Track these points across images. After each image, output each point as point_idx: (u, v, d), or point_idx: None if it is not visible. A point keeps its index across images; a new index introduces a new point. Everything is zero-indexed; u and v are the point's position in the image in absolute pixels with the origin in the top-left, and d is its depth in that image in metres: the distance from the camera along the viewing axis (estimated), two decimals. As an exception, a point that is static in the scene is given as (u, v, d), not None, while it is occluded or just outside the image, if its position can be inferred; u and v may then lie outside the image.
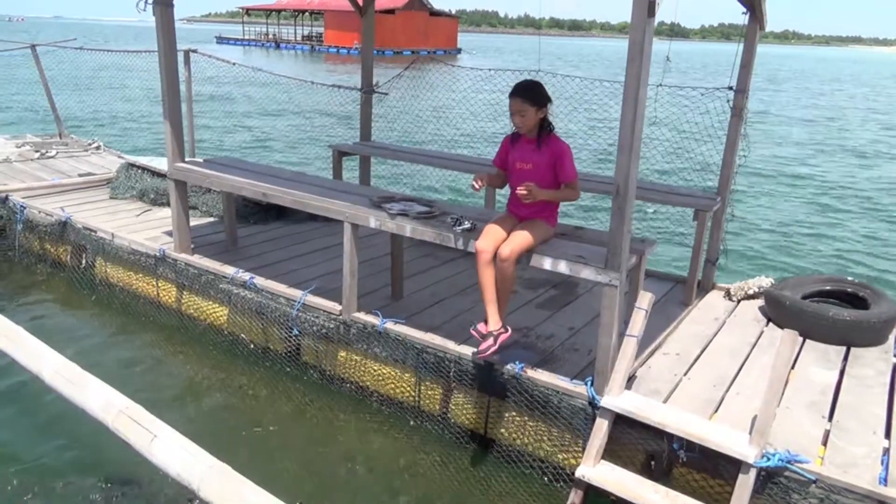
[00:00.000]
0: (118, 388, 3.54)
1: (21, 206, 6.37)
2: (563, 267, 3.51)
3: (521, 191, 3.46)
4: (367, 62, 6.66)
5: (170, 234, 5.39)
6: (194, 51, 8.16)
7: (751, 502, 2.97)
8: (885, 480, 2.91)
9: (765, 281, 4.92)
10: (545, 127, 3.62)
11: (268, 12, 67.79)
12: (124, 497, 3.41)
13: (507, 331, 3.68)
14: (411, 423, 4.17)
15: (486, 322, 3.67)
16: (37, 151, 8.40)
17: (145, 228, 5.91)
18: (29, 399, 4.20)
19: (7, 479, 3.52)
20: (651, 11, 2.96)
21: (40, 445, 3.81)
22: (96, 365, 4.39)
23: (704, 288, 5.06)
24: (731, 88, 4.79)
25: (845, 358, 4.05)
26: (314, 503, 3.47)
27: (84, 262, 5.93)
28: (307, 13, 63.86)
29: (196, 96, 8.98)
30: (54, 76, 10.39)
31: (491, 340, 3.61)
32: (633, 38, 3.01)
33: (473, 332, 3.71)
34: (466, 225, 3.77)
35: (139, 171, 7.15)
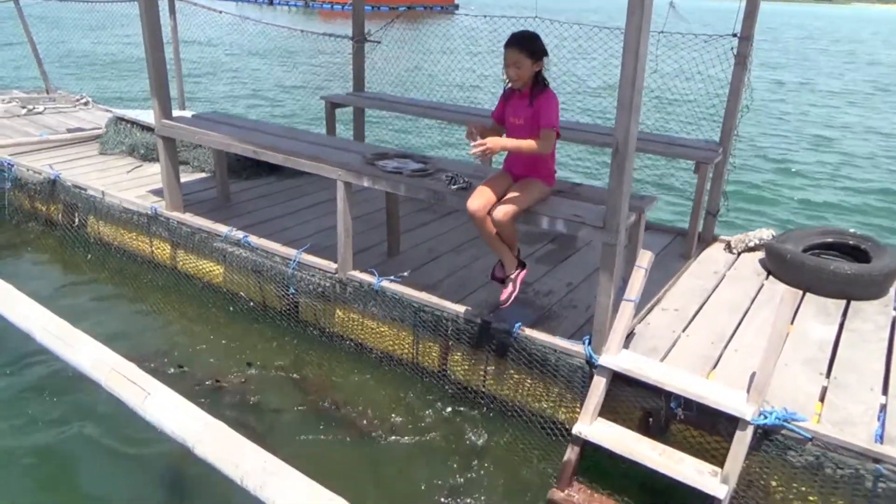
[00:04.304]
0: (113, 347, 3.52)
1: (9, 163, 6.24)
2: (560, 226, 3.44)
3: (475, 150, 3.29)
4: (358, 10, 6.45)
5: (161, 191, 5.30)
6: (180, -1, 7.89)
7: (747, 459, 2.99)
8: (881, 438, 2.91)
9: (765, 233, 4.86)
10: (539, 82, 3.48)
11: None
12: (118, 453, 3.45)
13: (523, 267, 3.72)
14: (410, 377, 4.17)
15: (501, 265, 3.70)
16: (23, 107, 8.21)
17: (136, 186, 5.81)
18: (20, 357, 4.20)
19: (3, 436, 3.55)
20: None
21: (34, 404, 3.83)
22: (91, 324, 4.37)
23: (705, 240, 5.01)
24: (735, 35, 4.62)
25: (845, 312, 4.03)
26: (312, 457, 3.49)
27: (77, 220, 5.85)
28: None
29: (184, 47, 8.72)
30: (39, 30, 10.07)
31: (510, 286, 3.65)
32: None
33: (492, 279, 3.77)
34: (462, 183, 3.69)
35: (128, 125, 6.98)
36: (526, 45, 3.39)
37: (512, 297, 3.66)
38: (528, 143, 3.44)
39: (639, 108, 3.10)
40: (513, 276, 3.66)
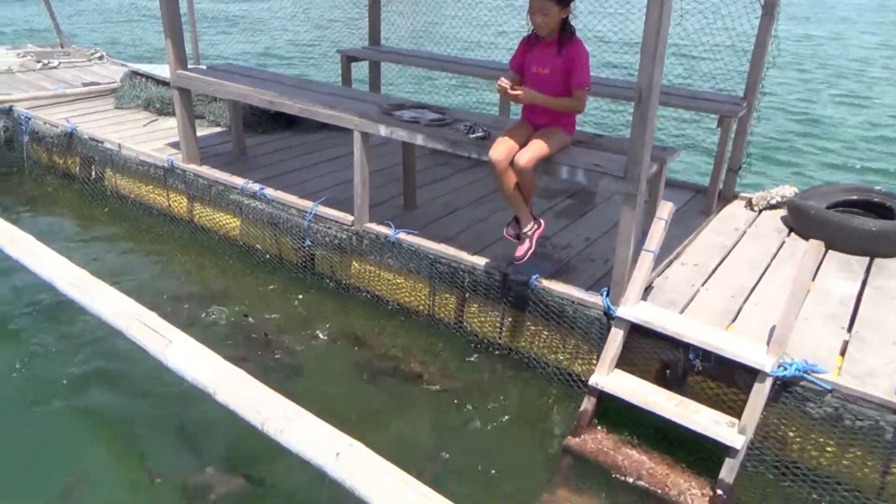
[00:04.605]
0: (133, 297, 3.55)
1: (26, 116, 6.24)
2: (580, 176, 3.39)
3: (505, 85, 3.27)
4: (375, -41, 6.29)
5: (177, 144, 5.28)
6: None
7: (765, 410, 2.98)
8: (902, 390, 2.89)
9: (788, 190, 4.77)
10: (566, 29, 3.39)
11: None
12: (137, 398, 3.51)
13: (539, 224, 3.66)
14: (426, 328, 4.18)
15: (516, 222, 3.63)
16: (38, 61, 8.17)
17: (152, 139, 5.79)
18: (47, 308, 4.26)
19: (31, 381, 3.62)
20: None
21: (62, 352, 3.89)
22: (111, 275, 4.41)
23: (725, 198, 4.93)
24: (763, -17, 4.47)
25: (868, 269, 3.96)
26: (330, 402, 3.53)
27: (94, 173, 5.86)
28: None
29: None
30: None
31: (527, 242, 3.60)
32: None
33: (507, 236, 3.70)
34: (480, 133, 3.63)
35: (144, 79, 6.95)
36: None
37: (528, 254, 3.62)
38: (561, 102, 3.40)
39: (663, 55, 3.02)
40: (529, 232, 3.61)
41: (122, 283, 4.37)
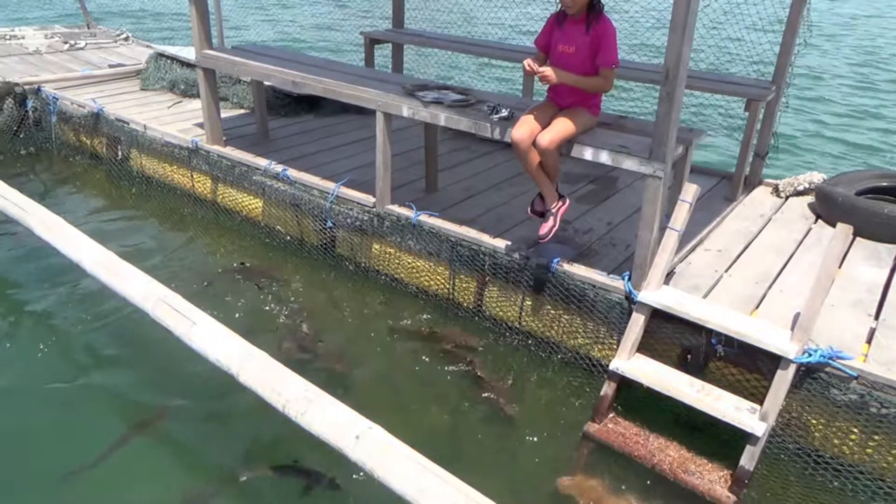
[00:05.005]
0: (157, 278, 3.60)
1: (53, 97, 6.33)
2: (604, 157, 3.35)
3: (533, 66, 3.28)
4: (399, -59, 6.25)
5: (201, 126, 5.32)
6: (218, -68, 7.75)
7: (788, 397, 2.94)
8: (930, 378, 2.83)
9: (816, 177, 4.68)
10: (595, 6, 3.34)
11: None
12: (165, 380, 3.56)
13: (564, 201, 3.65)
14: (446, 312, 4.19)
15: (541, 199, 3.62)
16: (65, 42, 8.27)
17: (177, 120, 5.84)
18: (71, 286, 4.34)
19: (59, 362, 3.70)
20: None
21: (86, 331, 3.97)
22: (136, 255, 4.48)
23: (751, 184, 4.85)
24: (796, -36, 4.36)
25: (897, 256, 3.89)
26: (350, 387, 3.56)
27: (120, 153, 5.93)
28: None
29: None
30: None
31: (551, 221, 3.60)
32: None
33: (531, 214, 3.70)
34: (504, 113, 3.61)
35: (169, 61, 7.00)
36: None
37: (553, 232, 3.61)
38: (590, 82, 3.38)
39: (692, 32, 2.96)
40: (553, 210, 3.60)
41: (147, 264, 4.45)
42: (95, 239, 3.91)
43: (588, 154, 3.39)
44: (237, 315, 4.10)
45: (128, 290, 3.51)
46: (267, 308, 4.23)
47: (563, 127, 3.34)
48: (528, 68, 3.33)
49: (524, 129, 3.39)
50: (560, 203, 3.62)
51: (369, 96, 4.10)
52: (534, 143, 3.36)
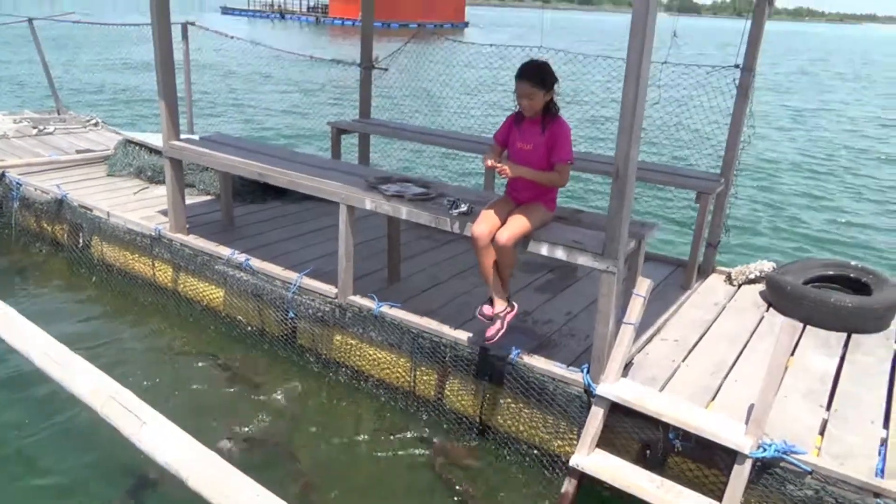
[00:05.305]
0: (112, 371, 3.52)
1: (17, 182, 6.31)
2: (560, 253, 3.45)
3: (493, 162, 3.45)
4: (367, 36, 6.54)
5: (166, 213, 5.34)
6: (192, 23, 8.04)
7: (746, 492, 2.95)
8: (882, 472, 2.87)
9: (766, 265, 4.85)
10: (551, 109, 3.53)
11: (274, -19, 66.53)
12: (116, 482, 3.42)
13: (513, 308, 3.68)
14: (406, 408, 4.15)
15: (490, 303, 3.64)
16: (34, 127, 8.32)
17: (142, 207, 5.85)
18: (21, 381, 4.20)
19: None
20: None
21: (36, 430, 3.82)
22: (91, 348, 4.39)
23: (705, 272, 5.00)
24: (737, 66, 4.67)
25: (846, 345, 4.00)
26: (310, 488, 3.46)
27: (81, 241, 5.88)
28: (313, -18, 62.81)
29: (195, 69, 8.85)
30: (51, 50, 10.23)
31: (498, 323, 3.60)
32: (637, 10, 2.91)
33: (479, 317, 3.69)
34: (463, 208, 3.71)
35: (137, 147, 7.06)
36: (537, 78, 3.44)
37: (499, 335, 3.61)
38: (546, 176, 3.52)
39: (639, 133, 3.13)
40: (502, 314, 3.62)
41: (102, 356, 4.35)
42: (50, 330, 3.84)
43: (544, 250, 3.49)
44: (192, 410, 4.00)
45: (77, 386, 3.42)
46: (224, 403, 4.14)
47: (519, 224, 3.44)
48: (488, 164, 3.47)
49: (484, 225, 3.48)
50: (508, 308, 3.64)
51: (332, 189, 4.19)
52: (492, 240, 3.44)
